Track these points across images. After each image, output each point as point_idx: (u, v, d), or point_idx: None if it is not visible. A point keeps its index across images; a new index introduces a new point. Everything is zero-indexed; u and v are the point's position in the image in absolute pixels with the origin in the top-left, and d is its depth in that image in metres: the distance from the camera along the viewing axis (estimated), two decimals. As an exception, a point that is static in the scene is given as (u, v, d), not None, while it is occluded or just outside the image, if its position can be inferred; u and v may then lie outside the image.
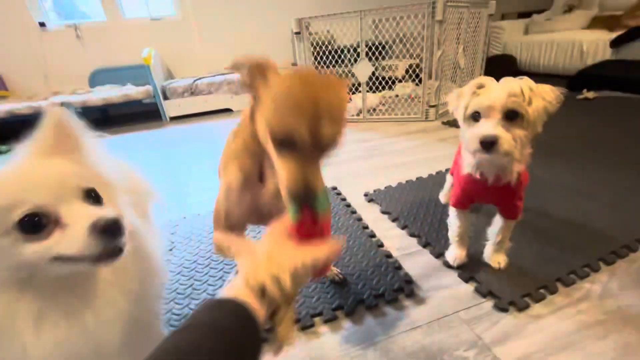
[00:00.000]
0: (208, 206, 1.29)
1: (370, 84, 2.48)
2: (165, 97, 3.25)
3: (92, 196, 0.39)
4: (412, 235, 1.12)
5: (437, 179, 1.45)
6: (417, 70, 2.35)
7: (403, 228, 1.15)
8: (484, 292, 0.85)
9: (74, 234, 0.34)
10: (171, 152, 2.31)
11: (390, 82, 2.64)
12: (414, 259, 1.01)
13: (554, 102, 0.68)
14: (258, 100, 0.41)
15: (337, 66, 2.65)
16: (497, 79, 0.73)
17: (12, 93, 3.38)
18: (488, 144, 0.68)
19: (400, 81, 2.97)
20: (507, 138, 0.68)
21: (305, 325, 0.81)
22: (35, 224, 0.33)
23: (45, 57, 3.43)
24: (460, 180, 0.88)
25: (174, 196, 1.61)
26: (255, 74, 0.40)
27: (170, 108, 3.26)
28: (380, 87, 2.54)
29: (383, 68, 3.15)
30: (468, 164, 0.81)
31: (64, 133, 0.44)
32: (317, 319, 0.83)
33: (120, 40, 3.55)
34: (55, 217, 0.34)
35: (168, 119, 3.28)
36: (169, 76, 3.64)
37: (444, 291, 0.88)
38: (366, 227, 1.17)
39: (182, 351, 0.28)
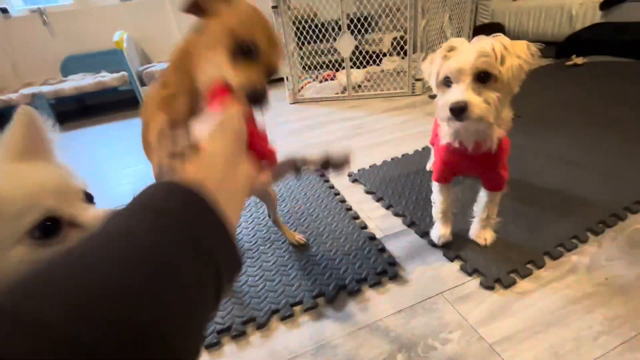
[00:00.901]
0: None
1: (354, 59, 2.38)
2: (143, 84, 3.10)
3: (89, 196, 0.39)
4: (396, 214, 1.08)
5: (423, 154, 1.40)
6: (403, 43, 2.25)
7: (388, 208, 1.11)
8: (469, 271, 0.82)
9: None
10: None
11: (375, 57, 2.53)
12: (398, 239, 0.97)
13: (530, 59, 0.63)
14: (213, 16, 0.43)
15: (320, 42, 2.54)
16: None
17: (-21, 86, 3.20)
18: (457, 111, 0.64)
19: (385, 55, 2.86)
20: (477, 102, 0.63)
21: (285, 316, 0.77)
22: (51, 228, 0.30)
23: (12, 47, 3.24)
24: (441, 152, 0.83)
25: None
26: None
27: (149, 95, 3.13)
28: (365, 63, 2.44)
29: (367, 42, 3.04)
30: (446, 133, 0.77)
31: (36, 134, 0.40)
32: (297, 308, 0.79)
33: (90, 24, 3.35)
34: (70, 219, 0.32)
35: (147, 107, 3.15)
36: (145, 61, 3.46)
37: (429, 272, 0.85)
38: (350, 209, 1.13)
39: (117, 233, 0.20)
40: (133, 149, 2.13)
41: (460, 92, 0.64)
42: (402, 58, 2.55)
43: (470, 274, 0.82)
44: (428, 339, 0.68)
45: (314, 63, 2.81)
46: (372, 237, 0.98)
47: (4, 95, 2.83)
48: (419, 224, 1.00)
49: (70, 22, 3.30)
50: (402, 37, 2.27)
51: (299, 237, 0.99)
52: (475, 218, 0.91)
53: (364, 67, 2.50)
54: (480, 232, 0.89)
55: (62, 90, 2.89)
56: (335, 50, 2.51)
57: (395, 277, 0.84)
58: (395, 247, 0.94)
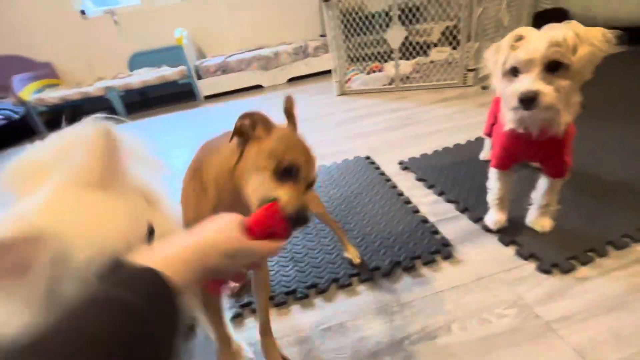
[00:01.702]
0: None
1: (404, 50, 2.37)
2: (199, 77, 3.33)
3: (150, 232, 0.40)
4: (449, 201, 1.10)
5: (477, 145, 1.39)
6: (455, 32, 2.20)
7: (440, 195, 1.14)
8: (525, 255, 0.83)
9: None
10: (207, 130, 2.41)
11: (425, 48, 2.50)
12: (451, 224, 1.00)
13: (604, 47, 0.62)
14: (254, 140, 0.49)
15: (367, 34, 2.56)
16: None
17: (62, 81, 3.64)
18: (527, 101, 0.64)
19: (435, 45, 2.80)
20: (548, 91, 0.63)
21: (344, 284, 0.85)
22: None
23: (88, 44, 3.63)
24: (502, 138, 0.84)
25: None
26: (258, 123, 0.50)
27: (204, 87, 3.35)
28: (414, 54, 2.42)
29: (417, 32, 2.99)
30: (510, 120, 0.77)
31: (114, 160, 0.40)
32: (354, 279, 0.86)
33: (154, 22, 3.64)
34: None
35: (202, 98, 3.38)
36: (200, 56, 3.71)
37: (483, 254, 0.87)
38: (401, 194, 1.17)
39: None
40: (188, 137, 2.34)
41: (530, 81, 0.64)
42: (454, 48, 2.49)
43: (526, 258, 0.83)
44: (483, 313, 0.72)
45: (361, 55, 2.84)
46: (425, 221, 1.02)
47: (82, 88, 3.20)
48: (473, 210, 1.02)
49: (136, 21, 3.63)
50: (455, 27, 2.22)
51: (355, 254, 0.92)
52: (533, 205, 0.91)
53: (413, 57, 2.48)
54: (538, 219, 0.90)
55: (130, 84, 3.20)
56: (383, 41, 2.51)
57: (449, 257, 0.88)
58: (448, 231, 0.97)
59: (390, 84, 2.48)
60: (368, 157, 1.48)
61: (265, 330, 0.68)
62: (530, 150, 0.80)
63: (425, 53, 2.58)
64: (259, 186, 0.45)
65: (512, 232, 0.91)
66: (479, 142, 1.42)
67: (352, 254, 0.90)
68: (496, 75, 0.73)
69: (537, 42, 0.64)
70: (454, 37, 2.23)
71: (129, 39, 3.66)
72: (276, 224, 0.40)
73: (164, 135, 2.48)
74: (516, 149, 0.82)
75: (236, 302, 0.84)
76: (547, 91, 0.63)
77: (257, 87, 3.43)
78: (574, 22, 0.65)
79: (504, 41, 0.70)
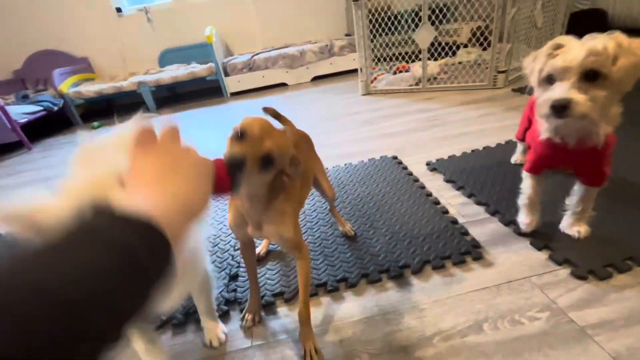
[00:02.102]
0: None
1: (431, 50, 2.35)
2: (226, 74, 3.42)
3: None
4: (478, 203, 1.10)
5: (507, 148, 1.37)
6: (487, 32, 2.17)
7: (469, 196, 1.14)
8: (559, 260, 0.83)
9: None
10: (232, 126, 2.47)
11: (453, 48, 2.46)
12: (481, 225, 1.00)
13: None
14: None
15: (394, 34, 2.55)
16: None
17: (98, 75, 3.82)
18: (559, 108, 0.63)
19: (465, 46, 2.76)
20: (582, 100, 0.62)
21: (374, 280, 0.87)
22: None
23: (122, 41, 3.79)
24: (537, 146, 0.83)
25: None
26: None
27: (231, 84, 3.44)
28: (442, 54, 2.39)
29: (445, 33, 2.95)
30: (545, 129, 0.77)
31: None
32: (384, 275, 0.88)
33: (185, 20, 3.75)
34: None
35: (229, 95, 3.47)
36: (228, 53, 3.80)
37: (515, 257, 0.87)
38: (430, 195, 1.18)
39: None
40: (214, 132, 2.40)
41: (564, 89, 0.63)
42: (484, 49, 2.45)
43: (559, 263, 0.82)
44: (515, 315, 0.72)
45: (387, 55, 2.83)
46: (454, 222, 1.03)
47: (116, 83, 3.34)
48: (504, 213, 1.02)
49: (168, 19, 3.75)
50: (486, 27, 2.18)
51: (349, 228, 1.05)
52: (568, 211, 0.90)
53: (441, 58, 2.46)
54: (574, 225, 0.88)
55: (162, 79, 3.31)
56: (410, 41, 2.50)
57: (480, 259, 0.88)
58: (478, 233, 0.97)
59: (417, 84, 2.46)
60: (395, 157, 1.49)
61: (303, 317, 0.72)
62: (567, 159, 0.79)
63: (453, 54, 2.54)
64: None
65: (544, 237, 0.90)
66: (509, 145, 1.40)
67: (347, 227, 1.04)
68: (533, 84, 0.73)
69: (576, 50, 0.63)
70: (485, 38, 2.19)
71: (160, 35, 3.80)
72: (222, 174, 0.45)
73: (191, 130, 2.56)
74: (552, 157, 0.81)
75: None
76: (580, 100, 0.62)
77: (282, 85, 3.48)
78: (617, 33, 0.63)
79: (542, 49, 0.70)
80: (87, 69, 3.72)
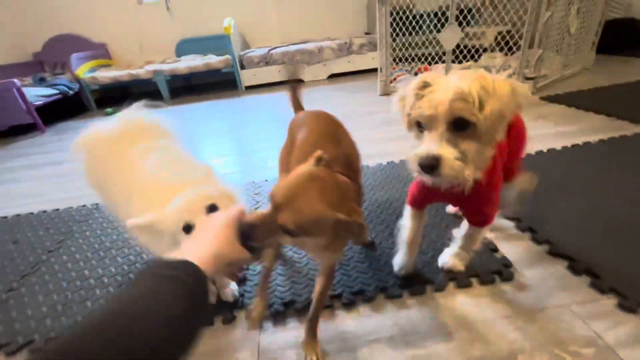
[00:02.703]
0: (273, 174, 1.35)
1: (457, 53, 2.26)
2: (242, 67, 3.37)
3: (212, 207, 0.62)
4: (508, 217, 1.01)
5: (539, 160, 1.28)
6: (517, 36, 2.06)
7: (497, 209, 1.05)
8: (603, 288, 0.74)
9: None
10: (246, 120, 2.42)
11: (476, 53, 2.36)
12: (512, 242, 0.92)
13: (513, 104, 0.53)
14: None
15: (414, 34, 2.46)
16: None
17: (114, 61, 3.82)
18: (428, 168, 0.55)
19: (491, 51, 2.65)
20: (450, 158, 0.54)
21: (393, 295, 0.80)
22: (189, 228, 0.60)
23: (141, 28, 3.77)
24: (415, 182, 0.75)
25: (248, 162, 1.69)
26: None
27: (246, 77, 3.39)
28: (464, 58, 2.30)
29: (468, 36, 2.85)
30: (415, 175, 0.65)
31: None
32: (405, 291, 0.81)
33: (204, 10, 3.72)
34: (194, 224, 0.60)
35: (243, 88, 3.42)
36: (244, 46, 3.75)
37: (550, 281, 0.79)
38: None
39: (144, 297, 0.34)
40: (227, 125, 2.35)
41: (432, 143, 0.55)
42: (506, 54, 2.35)
43: (604, 292, 0.74)
44: (554, 348, 0.64)
45: (407, 55, 2.74)
46: (482, 236, 0.95)
47: (132, 70, 3.32)
48: (538, 230, 0.93)
49: (187, 8, 3.72)
50: (508, 32, 2.08)
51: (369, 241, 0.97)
52: (452, 243, 0.83)
53: (462, 62, 2.36)
54: (451, 259, 0.82)
55: (178, 69, 3.28)
56: (432, 43, 2.41)
57: (510, 280, 0.80)
58: (508, 250, 0.89)
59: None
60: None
61: (310, 329, 0.68)
62: (447, 196, 0.69)
63: (475, 58, 2.44)
64: None
65: (584, 259, 0.82)
66: (540, 156, 1.31)
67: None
68: (405, 125, 0.63)
69: (442, 93, 0.54)
70: (514, 43, 2.09)
71: (178, 25, 3.77)
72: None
73: (205, 122, 2.52)
74: (431, 193, 0.72)
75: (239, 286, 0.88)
76: (449, 156, 0.54)
77: (298, 82, 3.41)
78: (481, 72, 0.54)
79: (408, 87, 0.60)
80: (105, 54, 3.72)
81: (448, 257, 0.84)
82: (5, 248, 1.17)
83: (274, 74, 3.37)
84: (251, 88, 3.42)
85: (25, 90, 2.60)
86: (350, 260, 0.91)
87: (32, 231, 1.26)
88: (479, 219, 0.73)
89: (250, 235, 0.49)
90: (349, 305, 0.79)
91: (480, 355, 0.65)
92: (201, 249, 0.44)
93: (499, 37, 2.30)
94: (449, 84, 0.54)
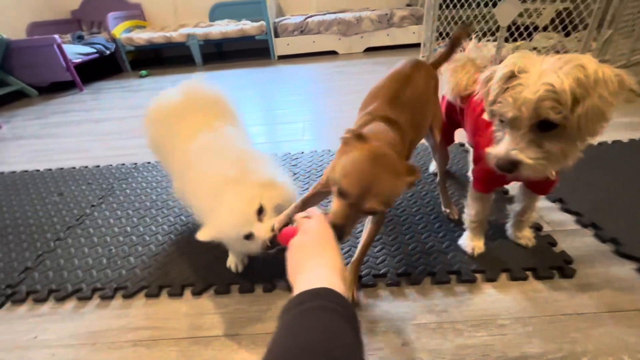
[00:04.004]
0: (309, 146, 1.31)
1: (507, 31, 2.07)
2: (276, 35, 3.26)
3: (260, 210, 0.66)
4: (566, 210, 0.94)
5: (603, 152, 1.17)
6: (576, 16, 1.86)
7: (554, 201, 0.98)
8: (681, 296, 0.67)
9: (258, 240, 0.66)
10: (276, 91, 2.36)
11: (525, 31, 2.16)
12: (571, 238, 0.85)
13: (616, 98, 0.44)
14: (346, 149, 0.55)
15: (465, 9, 2.27)
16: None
17: (149, 23, 3.79)
18: (506, 169, 0.52)
19: (545, 29, 2.42)
20: (530, 164, 0.50)
21: (441, 280, 0.76)
22: (249, 236, 0.66)
23: (175, -10, 3.70)
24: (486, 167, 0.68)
25: (281, 133, 1.65)
26: (351, 139, 0.55)
27: (280, 46, 3.29)
28: (511, 37, 2.10)
29: (524, 13, 2.61)
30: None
31: (243, 168, 0.68)
32: (452, 277, 0.77)
33: (239, -27, 3.58)
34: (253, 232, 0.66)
35: (276, 58, 3.33)
36: (280, 13, 3.62)
37: (618, 282, 0.73)
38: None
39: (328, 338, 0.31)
40: (259, 96, 2.30)
41: (512, 145, 0.51)
42: (567, 35, 2.14)
43: (680, 300, 0.67)
44: (623, 354, 0.59)
45: (451, 31, 2.55)
46: (538, 227, 0.88)
47: (166, 33, 3.29)
48: (602, 226, 0.86)
49: (223, -30, 3.59)
50: (566, 9, 1.87)
51: (455, 210, 0.94)
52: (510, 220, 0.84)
53: (513, 41, 2.17)
54: (518, 232, 0.83)
55: (211, 34, 3.22)
56: (485, 17, 2.21)
57: (571, 277, 0.74)
58: (568, 246, 0.82)
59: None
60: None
61: (351, 274, 0.72)
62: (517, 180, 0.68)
63: (528, 37, 2.24)
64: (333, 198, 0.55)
65: (658, 264, 0.75)
66: (603, 147, 1.20)
67: (454, 210, 0.94)
68: (485, 110, 0.59)
69: (529, 92, 0.47)
70: (570, 22, 1.88)
71: (213, -12, 3.66)
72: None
73: (236, 90, 2.48)
74: (500, 178, 0.66)
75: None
76: (529, 162, 0.50)
77: (332, 54, 3.28)
78: (582, 59, 0.45)
79: (498, 72, 0.53)
80: (140, 16, 3.69)
81: (516, 232, 0.83)
82: (51, 199, 1.21)
83: (308, 44, 3.25)
84: (284, 58, 3.33)
85: (64, 47, 2.63)
86: (394, 241, 0.87)
87: (76, 185, 1.29)
88: (547, 187, 0.73)
89: (342, 234, 0.51)
90: (394, 286, 0.76)
91: (539, 353, 0.60)
92: (334, 272, 0.41)
93: (560, 15, 2.09)
94: (539, 78, 0.47)
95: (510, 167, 0.52)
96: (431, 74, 0.82)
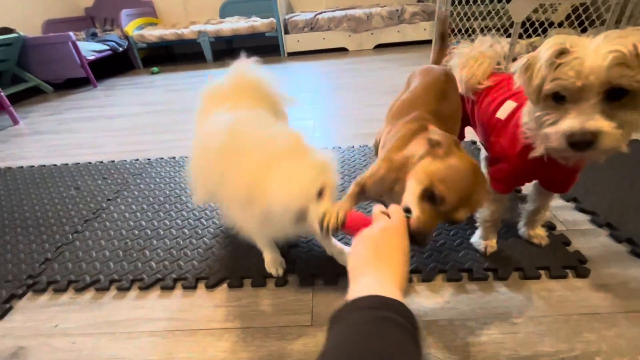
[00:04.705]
0: (320, 143, 1.31)
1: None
2: (286, 31, 3.27)
3: (320, 192, 0.59)
4: (581, 210, 0.93)
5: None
6: (593, 11, 1.82)
7: (569, 200, 0.96)
8: (699, 298, 0.66)
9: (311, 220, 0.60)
10: (288, 88, 2.36)
11: (540, 27, 2.11)
12: (585, 238, 0.84)
13: None
14: (432, 155, 0.53)
15: (478, 5, 2.23)
16: None
17: (160, 20, 3.83)
18: (583, 144, 0.47)
19: (560, 25, 2.37)
20: (611, 132, 0.46)
21: (452, 278, 0.76)
22: (303, 215, 0.60)
23: (186, -13, 3.72)
24: (513, 160, 0.67)
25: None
26: (442, 145, 0.52)
27: (290, 43, 3.29)
28: (526, 33, 2.07)
29: (538, 9, 2.55)
30: (540, 149, 0.59)
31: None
32: (464, 274, 0.77)
33: (249, -30, 3.59)
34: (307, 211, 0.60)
35: (286, 55, 3.34)
36: (290, 10, 3.62)
37: (634, 283, 0.72)
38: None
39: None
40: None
41: (585, 117, 0.47)
42: (583, 31, 2.09)
43: (699, 302, 0.66)
44: (638, 355, 0.59)
45: (463, 28, 2.52)
46: (551, 226, 0.87)
47: (178, 30, 3.32)
48: (618, 226, 0.84)
49: (233, -33, 3.60)
50: (582, 5, 1.83)
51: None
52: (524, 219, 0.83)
53: (527, 38, 2.13)
54: (531, 231, 0.82)
55: (222, 30, 3.24)
56: (498, 13, 2.18)
57: (585, 277, 0.74)
58: (582, 246, 0.81)
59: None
60: (474, 142, 1.32)
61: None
62: (544, 171, 0.66)
63: (543, 33, 2.19)
64: (409, 193, 0.53)
65: (675, 265, 0.73)
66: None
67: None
68: (530, 99, 0.55)
69: (595, 59, 0.44)
70: (586, 18, 1.84)
71: (223, -15, 3.68)
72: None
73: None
74: (529, 172, 0.68)
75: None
76: (609, 129, 0.46)
77: (342, 50, 3.27)
78: None
79: (541, 54, 0.51)
80: (151, 13, 3.73)
81: (529, 231, 0.82)
82: (68, 193, 1.24)
83: (318, 40, 3.24)
84: (294, 55, 3.33)
85: (79, 44, 2.68)
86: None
87: (92, 179, 1.32)
88: (568, 186, 0.71)
89: (425, 242, 0.50)
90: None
91: (552, 352, 0.60)
92: (400, 285, 0.38)
93: (572, 14, 2.04)
94: (601, 47, 0.46)
95: (591, 139, 0.47)
96: (455, 81, 0.83)
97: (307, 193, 0.57)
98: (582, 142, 0.48)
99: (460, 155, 0.51)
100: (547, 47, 0.50)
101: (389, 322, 0.30)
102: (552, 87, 0.50)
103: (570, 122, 0.48)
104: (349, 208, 0.60)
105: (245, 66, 0.85)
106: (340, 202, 0.63)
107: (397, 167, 0.61)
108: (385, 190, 0.65)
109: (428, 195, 0.50)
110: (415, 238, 0.49)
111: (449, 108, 0.75)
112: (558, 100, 0.51)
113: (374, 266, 0.39)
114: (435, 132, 0.54)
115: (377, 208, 0.51)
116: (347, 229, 0.56)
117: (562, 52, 0.48)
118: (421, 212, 0.49)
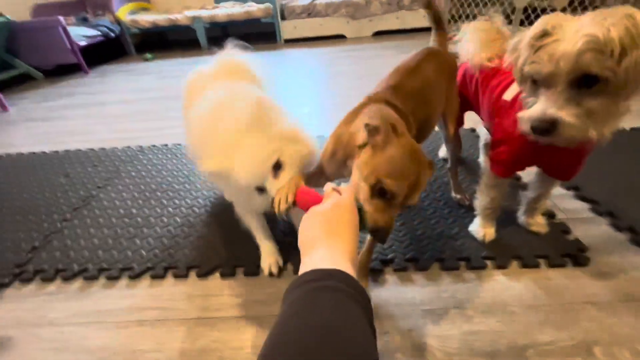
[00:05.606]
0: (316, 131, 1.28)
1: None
2: (283, 17, 3.19)
3: (277, 165, 0.61)
4: (582, 198, 0.91)
5: (619, 138, 1.13)
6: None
7: (569, 188, 0.95)
8: (701, 287, 0.65)
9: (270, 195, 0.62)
10: (283, 76, 2.31)
11: (542, 13, 2.07)
12: (586, 226, 0.83)
13: None
14: (372, 145, 0.51)
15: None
16: None
17: (153, 5, 3.72)
18: (542, 131, 0.48)
19: (564, 12, 2.32)
20: (571, 121, 0.45)
21: (450, 267, 0.74)
22: (261, 188, 0.63)
23: (180, -29, 3.61)
24: (514, 141, 0.65)
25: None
26: (379, 132, 0.50)
27: (286, 29, 3.21)
28: (527, 19, 2.02)
29: (542, -6, 2.50)
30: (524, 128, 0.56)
31: (264, 115, 0.62)
32: (462, 263, 0.75)
33: (245, -48, 3.47)
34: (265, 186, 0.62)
35: (282, 41, 3.26)
36: (286, -5, 3.52)
37: (634, 272, 0.70)
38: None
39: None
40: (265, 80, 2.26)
41: (548, 104, 0.47)
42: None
43: (700, 291, 0.65)
44: (637, 344, 0.58)
45: (463, 14, 2.46)
46: (551, 215, 0.86)
47: (171, 15, 3.23)
48: (619, 215, 0.83)
49: (228, -50, 3.48)
50: None
51: (463, 197, 0.91)
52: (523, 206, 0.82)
53: (528, 25, 2.09)
54: (531, 219, 0.81)
55: (216, 16, 3.15)
56: (494, 0, 2.13)
57: (584, 265, 0.72)
58: (582, 234, 0.80)
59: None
60: (473, 130, 1.29)
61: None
62: (546, 154, 0.64)
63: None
64: (358, 187, 0.51)
65: (677, 254, 0.72)
66: (631, 133, 1.15)
67: (464, 196, 0.92)
68: (516, 79, 0.55)
69: (567, 44, 0.43)
70: (599, 3, 1.80)
71: (218, -32, 3.57)
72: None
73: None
74: (531, 154, 0.65)
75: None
76: (570, 119, 0.46)
77: (340, 37, 3.21)
78: (628, 10, 0.41)
79: (525, 35, 0.49)
80: (144, -3, 3.62)
81: (529, 219, 0.81)
82: (58, 181, 1.21)
83: (315, 27, 3.17)
84: (291, 42, 3.26)
85: (69, 29, 2.60)
86: (402, 227, 0.86)
87: (82, 167, 1.29)
88: (572, 174, 0.68)
89: (386, 237, 0.50)
90: (401, 271, 0.75)
91: (549, 340, 0.59)
92: (351, 258, 0.38)
93: (575, 0, 1.99)
94: (579, 30, 0.43)
95: (549, 127, 0.47)
96: (445, 61, 0.78)
97: (260, 171, 0.60)
98: (540, 128, 0.48)
99: (398, 141, 0.50)
100: (533, 29, 0.48)
101: (326, 290, 0.30)
102: (529, 70, 0.49)
103: (534, 108, 0.49)
104: (299, 185, 0.60)
105: (232, 52, 0.86)
106: (292, 178, 0.61)
107: (345, 143, 0.60)
108: (339, 167, 0.64)
109: (378, 192, 0.49)
110: (376, 235, 0.49)
111: (420, 83, 0.70)
112: (536, 85, 0.50)
113: (325, 240, 0.39)
114: (372, 116, 0.53)
115: (329, 185, 0.50)
116: (300, 206, 0.56)
117: (545, 34, 0.46)
118: (375, 209, 0.49)
